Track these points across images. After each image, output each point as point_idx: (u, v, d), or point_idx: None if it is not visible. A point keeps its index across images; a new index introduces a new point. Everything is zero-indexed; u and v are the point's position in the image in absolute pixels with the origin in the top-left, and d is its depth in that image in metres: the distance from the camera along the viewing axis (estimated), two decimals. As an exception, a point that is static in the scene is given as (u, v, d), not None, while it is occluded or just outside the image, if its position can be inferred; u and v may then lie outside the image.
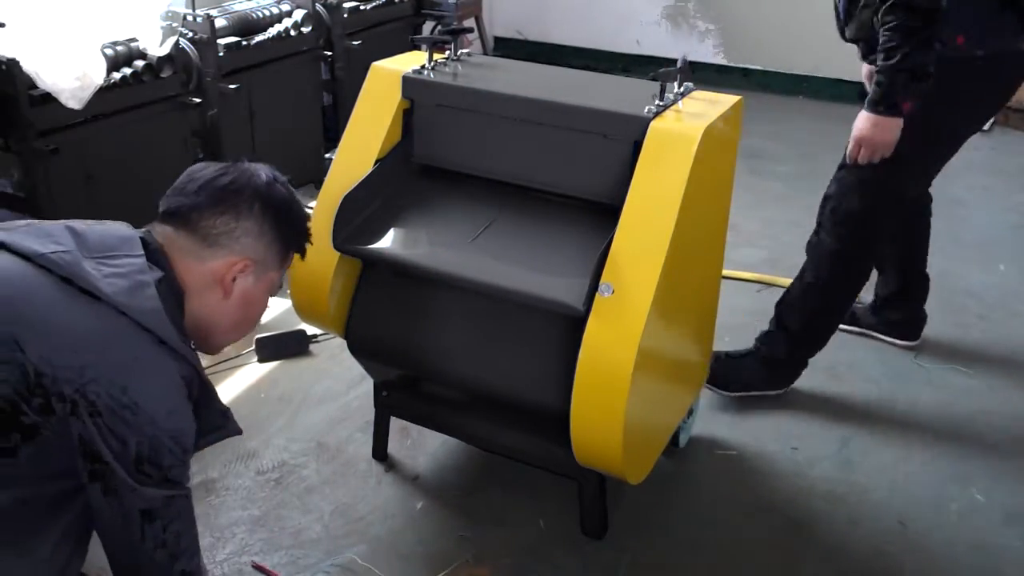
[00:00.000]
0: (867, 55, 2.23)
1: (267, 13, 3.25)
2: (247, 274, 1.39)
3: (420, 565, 1.93)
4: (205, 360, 2.58)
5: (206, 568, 0.83)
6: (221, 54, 2.96)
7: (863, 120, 2.14)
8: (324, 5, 3.47)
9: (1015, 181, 4.17)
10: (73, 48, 2.41)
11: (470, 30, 2.51)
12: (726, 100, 1.87)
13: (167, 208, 1.41)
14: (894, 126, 2.09)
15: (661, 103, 1.76)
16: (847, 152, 2.23)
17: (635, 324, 1.61)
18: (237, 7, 3.20)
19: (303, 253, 1.50)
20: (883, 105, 2.07)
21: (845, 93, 5.04)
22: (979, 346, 2.79)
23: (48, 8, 2.49)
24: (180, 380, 1.25)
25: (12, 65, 2.31)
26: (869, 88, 2.16)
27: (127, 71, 2.60)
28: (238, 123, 3.08)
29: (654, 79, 1.80)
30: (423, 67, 1.95)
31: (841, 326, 2.51)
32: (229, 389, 2.51)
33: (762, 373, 2.45)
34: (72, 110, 2.38)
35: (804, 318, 2.42)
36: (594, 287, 1.64)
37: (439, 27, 4.29)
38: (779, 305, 2.47)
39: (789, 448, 2.31)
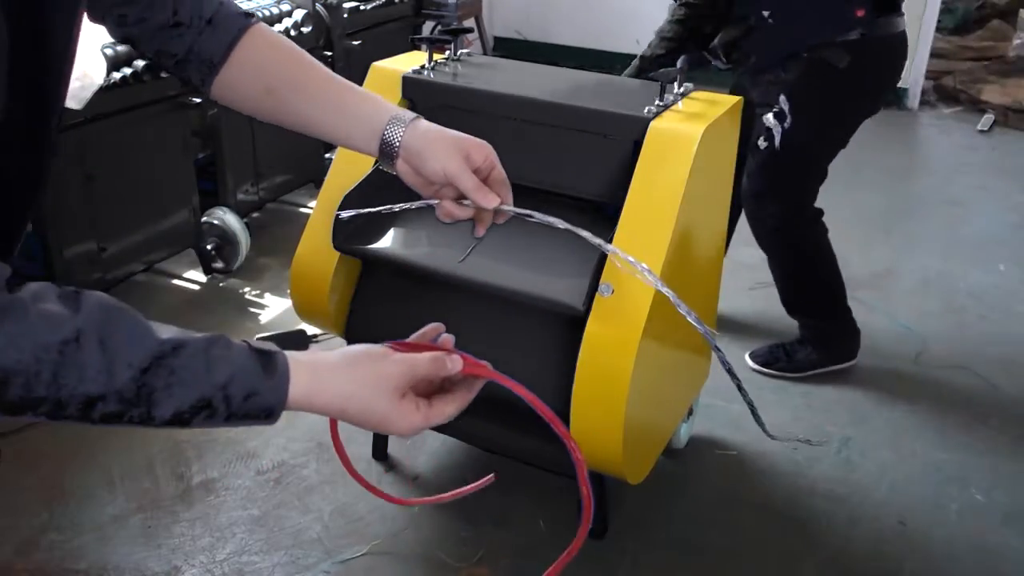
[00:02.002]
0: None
1: (267, 13, 3.25)
2: None
3: (420, 565, 1.93)
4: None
5: None
6: (221, 54, 2.96)
7: None
8: (324, 5, 3.47)
9: (1015, 181, 4.17)
10: (73, 48, 2.41)
11: (470, 30, 2.51)
12: (726, 100, 1.87)
13: None
14: None
15: (661, 103, 1.76)
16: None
17: (635, 324, 1.60)
18: (237, 7, 3.20)
19: None
20: None
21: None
22: (979, 346, 2.79)
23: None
24: None
25: (12, 65, 2.30)
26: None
27: (127, 71, 2.60)
28: (238, 123, 3.08)
29: (654, 79, 1.80)
30: (423, 67, 1.95)
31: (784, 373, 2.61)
32: (229, 389, 2.51)
33: (822, 351, 2.56)
34: (72, 110, 2.38)
35: (813, 301, 2.56)
36: (594, 287, 1.64)
37: (439, 27, 4.29)
38: (789, 310, 2.53)
39: (789, 448, 2.31)
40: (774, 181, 2.37)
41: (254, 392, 0.77)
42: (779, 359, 2.57)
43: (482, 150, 1.00)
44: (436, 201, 1.04)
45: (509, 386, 0.87)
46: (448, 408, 0.88)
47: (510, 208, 1.01)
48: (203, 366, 0.75)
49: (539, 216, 0.99)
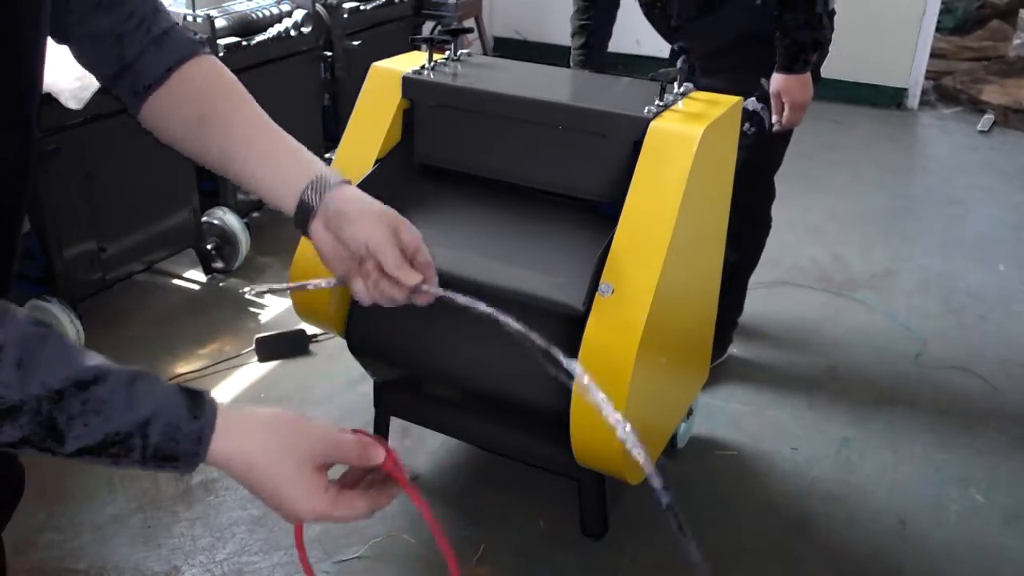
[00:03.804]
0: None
1: (267, 13, 3.25)
2: None
3: (420, 565, 1.93)
4: (205, 361, 2.60)
5: None
6: (221, 54, 2.96)
7: (804, 82, 2.22)
8: (324, 5, 3.47)
9: (1015, 181, 4.17)
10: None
11: (470, 30, 2.51)
12: (726, 100, 1.86)
13: None
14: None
15: (661, 103, 1.76)
16: (782, 120, 2.28)
17: (635, 324, 1.60)
18: (237, 7, 3.20)
19: None
20: (805, 63, 2.20)
21: (834, 93, 5.04)
22: (979, 346, 2.79)
23: (48, 8, 2.49)
24: None
25: (12, 65, 2.30)
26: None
27: (127, 71, 2.60)
28: (238, 123, 3.08)
29: (654, 79, 1.80)
30: (423, 67, 1.95)
31: None
32: (229, 389, 2.51)
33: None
34: (72, 110, 2.38)
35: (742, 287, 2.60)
36: (594, 287, 1.64)
37: (439, 27, 4.29)
38: None
39: (789, 448, 2.31)
40: (764, 163, 2.40)
41: (176, 432, 0.72)
42: None
43: (411, 228, 0.95)
44: (335, 281, 0.99)
45: (412, 498, 0.83)
46: (360, 503, 0.80)
47: (436, 290, 0.97)
48: (123, 399, 0.71)
49: (483, 307, 0.96)
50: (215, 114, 0.97)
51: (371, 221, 0.93)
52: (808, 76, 2.20)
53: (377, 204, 0.95)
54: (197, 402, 0.74)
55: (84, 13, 0.94)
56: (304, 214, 0.95)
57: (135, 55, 0.97)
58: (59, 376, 0.69)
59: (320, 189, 0.94)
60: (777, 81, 2.21)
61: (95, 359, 0.72)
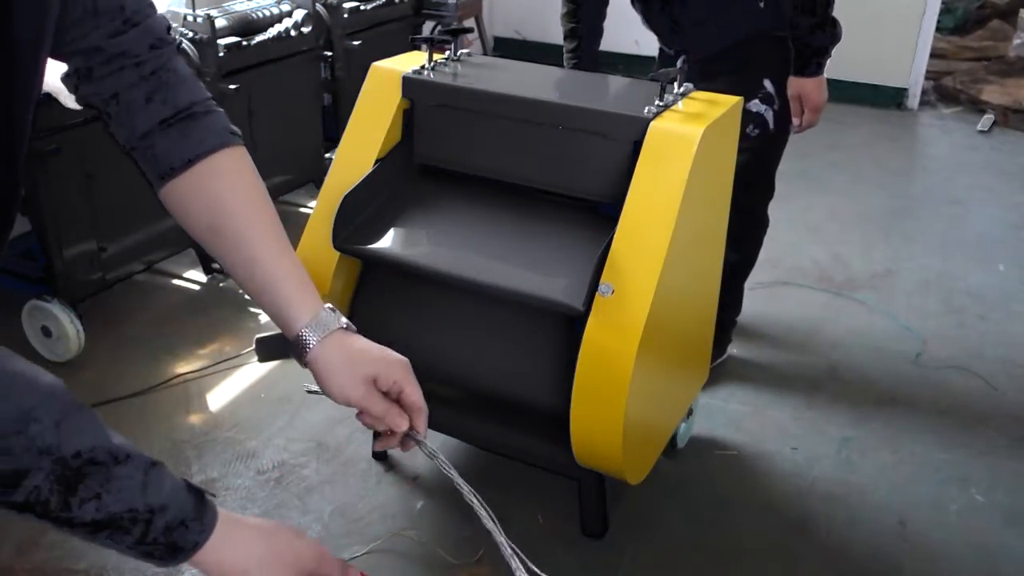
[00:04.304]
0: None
1: (267, 13, 3.25)
2: None
3: (420, 565, 1.93)
4: (205, 361, 2.60)
5: None
6: (221, 54, 2.96)
7: (820, 84, 2.25)
8: (324, 5, 3.46)
9: (1015, 181, 4.17)
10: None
11: (470, 30, 2.51)
12: (726, 100, 1.86)
13: None
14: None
15: (661, 103, 1.76)
16: (801, 123, 2.31)
17: (635, 324, 1.60)
18: (237, 7, 3.20)
19: None
20: (818, 65, 2.23)
21: (834, 93, 5.04)
22: (979, 346, 2.79)
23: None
24: None
25: (12, 65, 2.30)
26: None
27: (127, 71, 2.60)
28: (238, 123, 3.01)
29: (654, 79, 1.80)
30: (423, 67, 1.95)
31: None
32: (229, 389, 2.51)
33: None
34: (72, 110, 2.38)
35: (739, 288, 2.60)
36: (594, 287, 1.64)
37: (439, 27, 4.29)
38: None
39: (789, 448, 2.31)
40: (767, 164, 2.40)
41: (182, 525, 0.75)
42: None
43: (391, 374, 0.98)
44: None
45: None
46: None
47: (425, 449, 1.05)
48: (140, 483, 0.74)
49: (453, 474, 1.06)
50: (227, 227, 0.98)
51: (348, 381, 0.96)
52: (823, 78, 2.23)
53: (359, 358, 0.98)
54: (201, 501, 0.78)
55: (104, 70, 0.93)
56: (299, 355, 0.99)
57: (155, 130, 0.96)
58: (88, 444, 0.71)
59: (312, 336, 0.97)
60: (794, 84, 2.24)
61: (120, 438, 0.75)
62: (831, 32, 2.17)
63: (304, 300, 0.98)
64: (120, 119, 0.96)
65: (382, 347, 1.00)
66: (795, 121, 2.29)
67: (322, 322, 0.97)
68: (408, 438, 1.03)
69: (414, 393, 1.01)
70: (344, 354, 0.97)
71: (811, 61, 2.19)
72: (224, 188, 0.98)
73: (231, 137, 1.00)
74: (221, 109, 1.01)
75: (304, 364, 0.99)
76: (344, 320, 1.00)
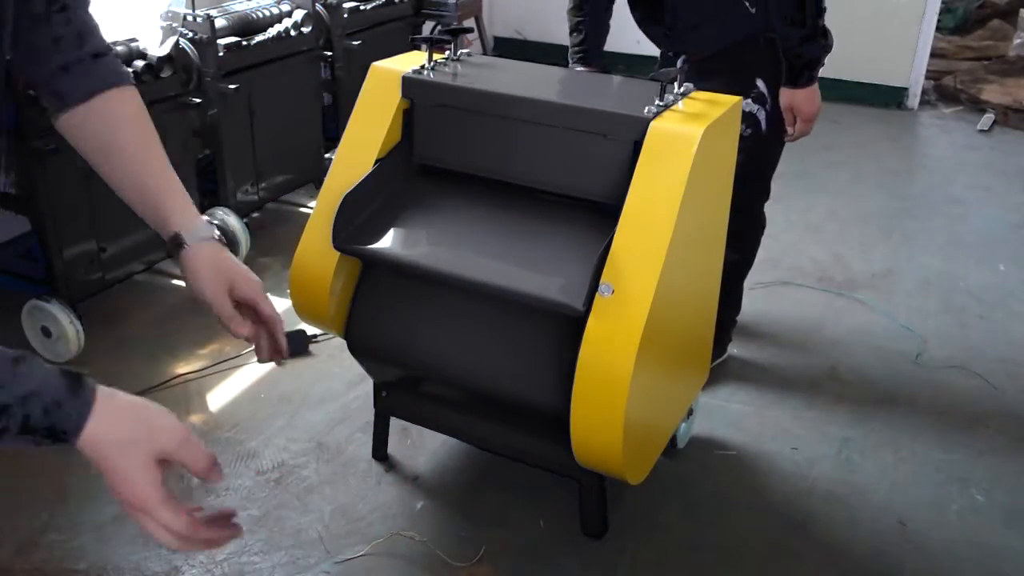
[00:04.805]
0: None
1: (267, 13, 3.25)
2: None
3: (420, 565, 1.93)
4: (205, 361, 2.60)
5: None
6: (221, 54, 2.96)
7: (812, 95, 2.24)
8: (324, 5, 3.46)
9: (1015, 181, 4.17)
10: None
11: (470, 30, 2.51)
12: (726, 100, 1.86)
13: None
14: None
15: (661, 103, 1.76)
16: (794, 132, 2.31)
17: (635, 324, 1.60)
18: (237, 7, 3.20)
19: None
20: (810, 77, 2.22)
21: (834, 93, 5.04)
22: (979, 346, 2.79)
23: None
24: None
25: (12, 65, 2.31)
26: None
27: (127, 71, 2.60)
28: (238, 123, 3.07)
29: (654, 79, 1.80)
30: (423, 67, 1.95)
31: None
32: (229, 389, 2.51)
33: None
34: (72, 110, 2.38)
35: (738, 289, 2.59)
36: (594, 287, 1.64)
37: (439, 27, 4.29)
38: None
39: (789, 448, 2.31)
40: (761, 164, 2.40)
41: (56, 406, 0.79)
42: None
43: (245, 287, 1.14)
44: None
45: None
46: (184, 517, 0.87)
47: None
48: (9, 374, 0.77)
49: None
50: (121, 146, 1.14)
51: (209, 279, 1.12)
52: (815, 88, 2.22)
53: (221, 264, 1.13)
54: (76, 381, 0.82)
55: (33, 23, 1.03)
56: (177, 247, 1.14)
57: (63, 63, 1.08)
58: None
59: (181, 240, 1.13)
60: (785, 95, 2.23)
61: None
62: (822, 43, 2.15)
63: (187, 210, 1.15)
64: (26, 59, 1.07)
65: (244, 266, 1.17)
66: (788, 130, 2.29)
67: (201, 229, 1.13)
68: (276, 353, 1.22)
69: (268, 307, 1.17)
70: (211, 260, 1.13)
71: (803, 72, 2.18)
72: (120, 115, 1.14)
73: (128, 78, 1.16)
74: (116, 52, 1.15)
75: (176, 260, 1.15)
76: (219, 234, 1.16)
